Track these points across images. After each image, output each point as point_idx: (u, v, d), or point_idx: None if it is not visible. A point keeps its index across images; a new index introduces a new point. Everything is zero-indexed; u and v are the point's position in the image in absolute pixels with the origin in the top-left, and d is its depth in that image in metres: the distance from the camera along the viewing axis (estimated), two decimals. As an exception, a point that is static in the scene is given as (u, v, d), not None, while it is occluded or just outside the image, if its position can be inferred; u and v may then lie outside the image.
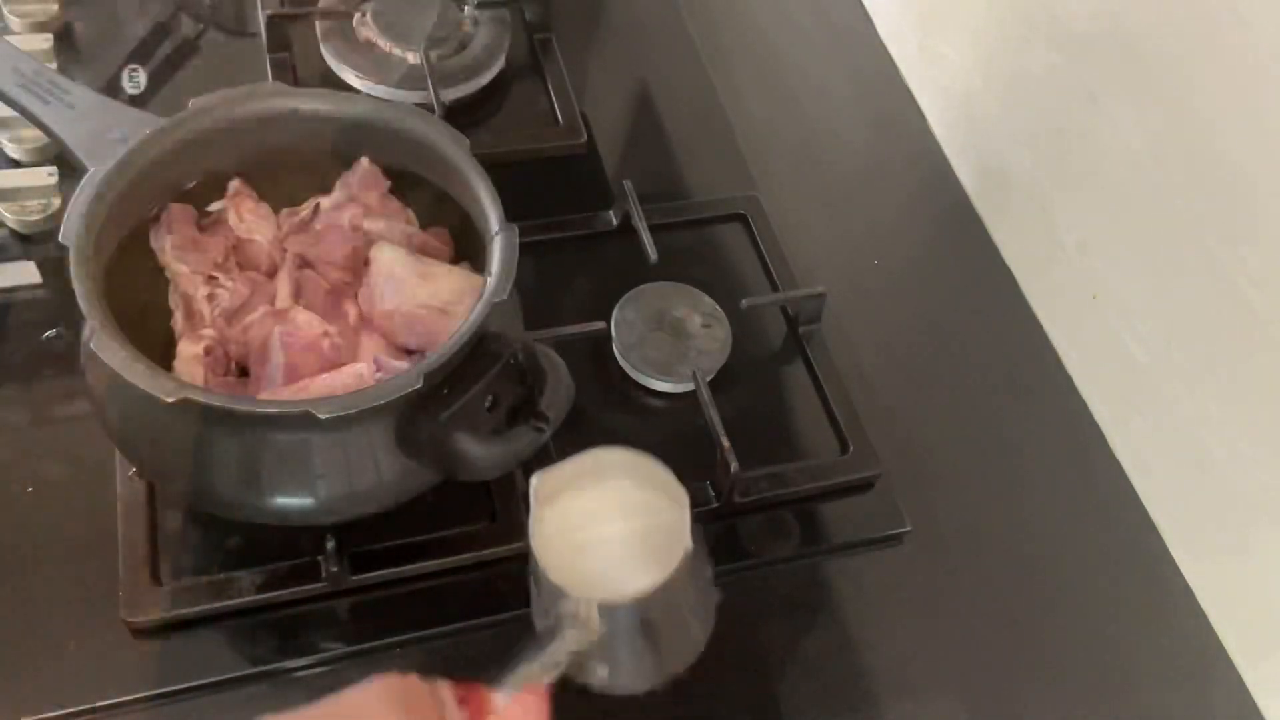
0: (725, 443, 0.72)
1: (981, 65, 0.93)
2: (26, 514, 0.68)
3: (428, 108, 0.83)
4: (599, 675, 0.48)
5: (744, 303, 0.81)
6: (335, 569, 0.66)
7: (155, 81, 0.91)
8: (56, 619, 0.65)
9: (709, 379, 0.77)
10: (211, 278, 0.68)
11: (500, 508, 0.71)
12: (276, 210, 0.72)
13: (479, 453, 0.60)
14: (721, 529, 0.74)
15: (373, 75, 0.91)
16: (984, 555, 0.76)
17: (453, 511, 0.70)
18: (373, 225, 0.70)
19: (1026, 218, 0.89)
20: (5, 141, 0.83)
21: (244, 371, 0.66)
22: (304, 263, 0.70)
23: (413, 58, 0.92)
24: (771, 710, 0.68)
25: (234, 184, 0.71)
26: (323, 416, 0.57)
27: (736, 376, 0.79)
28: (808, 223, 0.90)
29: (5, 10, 0.90)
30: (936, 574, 0.74)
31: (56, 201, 0.80)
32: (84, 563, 0.66)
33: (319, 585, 0.67)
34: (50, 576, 0.66)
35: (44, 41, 0.88)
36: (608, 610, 0.45)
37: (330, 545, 0.65)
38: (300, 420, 0.57)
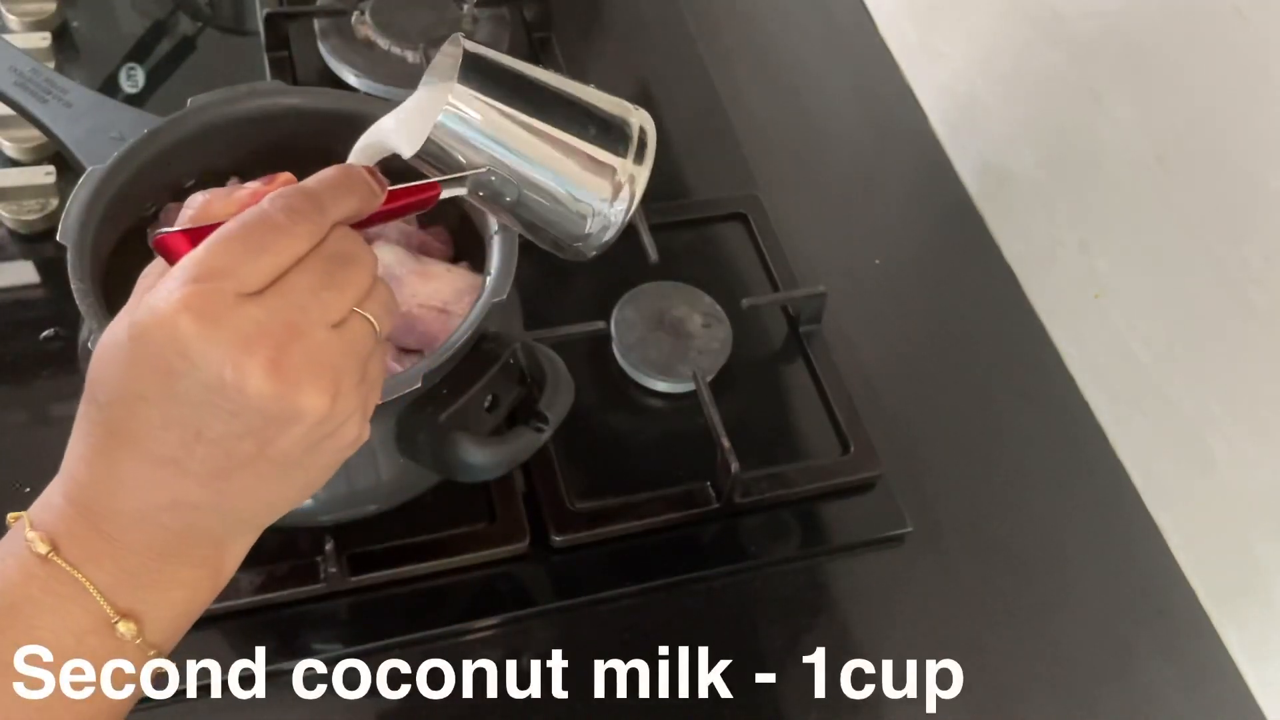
0: (725, 443, 0.72)
1: (982, 63, 0.92)
2: (24, 515, 0.68)
3: (427, 107, 0.82)
4: (550, 239, 0.50)
5: (744, 302, 0.81)
6: (334, 570, 0.66)
7: (153, 80, 0.91)
8: (54, 620, 0.64)
9: (709, 379, 0.77)
10: (209, 277, 0.67)
11: (499, 508, 0.70)
12: (275, 209, 0.71)
13: (478, 453, 0.60)
14: (722, 529, 0.74)
15: (371, 74, 0.90)
16: (984, 555, 0.76)
17: (452, 512, 0.70)
18: (371, 225, 0.70)
19: (1028, 216, 0.89)
20: (3, 140, 0.83)
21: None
22: (302, 262, 0.70)
23: (411, 56, 0.91)
24: (771, 710, 0.67)
25: (232, 183, 0.70)
26: (321, 417, 0.56)
27: (737, 376, 0.79)
28: (808, 222, 0.90)
29: (3, 9, 0.90)
30: (936, 574, 0.74)
31: (54, 201, 0.80)
32: (82, 563, 0.66)
33: (318, 586, 0.66)
34: (48, 577, 0.66)
35: (42, 40, 0.88)
36: (459, 138, 0.47)
37: (329, 546, 0.65)
38: (299, 420, 0.57)
